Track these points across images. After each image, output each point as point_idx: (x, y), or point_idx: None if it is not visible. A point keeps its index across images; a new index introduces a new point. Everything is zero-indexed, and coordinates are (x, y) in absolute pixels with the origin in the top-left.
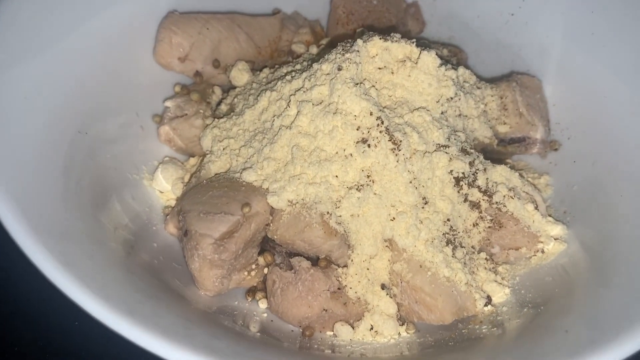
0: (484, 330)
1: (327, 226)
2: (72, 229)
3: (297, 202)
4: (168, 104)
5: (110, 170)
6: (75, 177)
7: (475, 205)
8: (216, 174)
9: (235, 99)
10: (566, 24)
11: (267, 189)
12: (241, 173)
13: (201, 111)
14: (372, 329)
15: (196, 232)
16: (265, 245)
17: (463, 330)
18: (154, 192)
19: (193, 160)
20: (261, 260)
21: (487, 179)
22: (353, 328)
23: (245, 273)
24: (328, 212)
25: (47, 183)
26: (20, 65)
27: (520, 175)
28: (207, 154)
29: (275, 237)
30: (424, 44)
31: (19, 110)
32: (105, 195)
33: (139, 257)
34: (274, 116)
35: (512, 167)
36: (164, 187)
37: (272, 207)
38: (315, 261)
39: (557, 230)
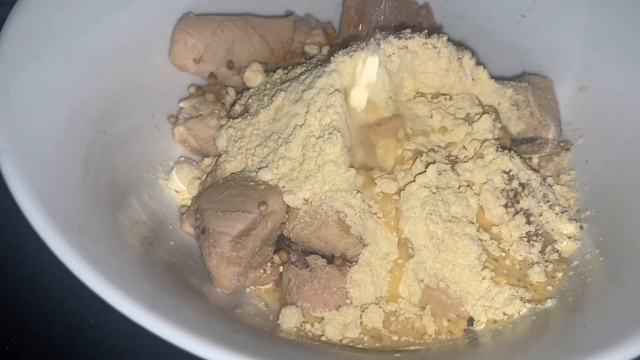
0: (499, 329)
1: (343, 224)
2: (93, 226)
3: (313, 201)
4: (183, 104)
5: (127, 169)
6: (94, 176)
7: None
8: (232, 174)
9: (250, 100)
10: (577, 25)
11: (283, 187)
12: (257, 172)
13: (216, 112)
14: None
15: (214, 229)
16: (281, 243)
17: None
18: (169, 192)
19: (208, 161)
20: (277, 258)
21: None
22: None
23: (261, 271)
24: (343, 211)
25: (68, 181)
26: (39, 64)
27: (534, 170)
28: (223, 153)
29: (291, 235)
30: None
31: (40, 109)
32: (123, 193)
33: (157, 254)
34: (288, 116)
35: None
36: (180, 187)
37: (288, 206)
38: (330, 259)
39: (570, 228)
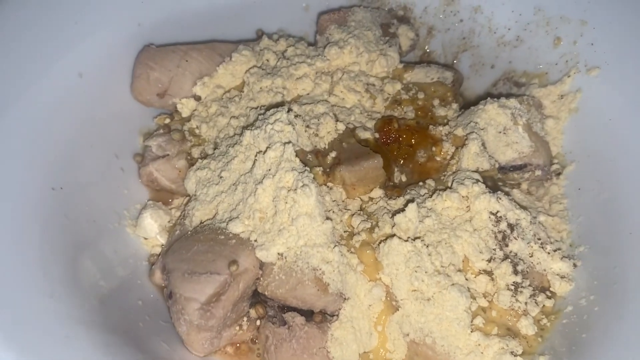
0: None
1: (320, 282)
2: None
3: (288, 256)
4: (149, 143)
5: (87, 223)
6: (45, 244)
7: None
8: (201, 222)
9: (218, 137)
10: (568, 46)
11: (256, 241)
12: (227, 223)
13: (183, 151)
14: None
15: (181, 295)
16: (257, 297)
17: None
18: (137, 241)
19: (178, 201)
20: (253, 312)
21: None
22: None
23: (237, 328)
24: (320, 268)
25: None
26: None
27: (523, 208)
28: (192, 197)
29: (266, 292)
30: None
31: None
32: (80, 254)
33: (121, 322)
34: (255, 159)
35: (509, 194)
36: (149, 234)
37: (261, 261)
38: (309, 314)
39: (563, 267)
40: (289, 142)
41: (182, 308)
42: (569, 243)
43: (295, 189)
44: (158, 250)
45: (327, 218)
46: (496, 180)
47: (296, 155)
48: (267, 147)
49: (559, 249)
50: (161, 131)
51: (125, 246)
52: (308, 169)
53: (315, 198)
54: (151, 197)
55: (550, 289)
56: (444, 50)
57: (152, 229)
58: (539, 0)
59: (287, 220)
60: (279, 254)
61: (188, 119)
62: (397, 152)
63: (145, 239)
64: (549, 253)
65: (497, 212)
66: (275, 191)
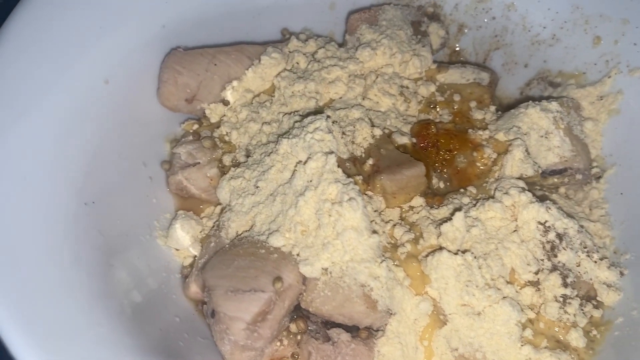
0: None
1: (369, 299)
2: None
3: (333, 271)
4: (177, 150)
5: (120, 236)
6: (82, 265)
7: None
8: (238, 235)
9: (250, 144)
10: (608, 46)
11: (298, 255)
12: (267, 237)
13: (215, 159)
14: None
15: (225, 314)
16: (297, 310)
17: None
18: (169, 252)
19: (209, 210)
20: (293, 327)
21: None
22: None
23: (278, 343)
24: (369, 284)
25: (47, 280)
26: (4, 140)
27: (570, 216)
28: (225, 207)
29: (310, 309)
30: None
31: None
32: (116, 269)
33: (160, 342)
34: (295, 170)
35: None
36: (181, 245)
37: (304, 276)
38: (354, 330)
39: (610, 276)
40: (331, 152)
41: (226, 328)
42: (613, 250)
43: (341, 202)
44: (190, 261)
45: (374, 232)
46: (537, 185)
47: (338, 166)
48: (308, 157)
49: (605, 257)
50: (190, 138)
51: (157, 259)
52: (352, 180)
53: (362, 211)
54: (179, 205)
55: (597, 298)
56: (475, 49)
57: (184, 241)
58: None
59: (332, 234)
60: (323, 268)
61: (217, 125)
62: (436, 158)
63: (177, 250)
64: (595, 262)
65: (546, 221)
66: (317, 203)
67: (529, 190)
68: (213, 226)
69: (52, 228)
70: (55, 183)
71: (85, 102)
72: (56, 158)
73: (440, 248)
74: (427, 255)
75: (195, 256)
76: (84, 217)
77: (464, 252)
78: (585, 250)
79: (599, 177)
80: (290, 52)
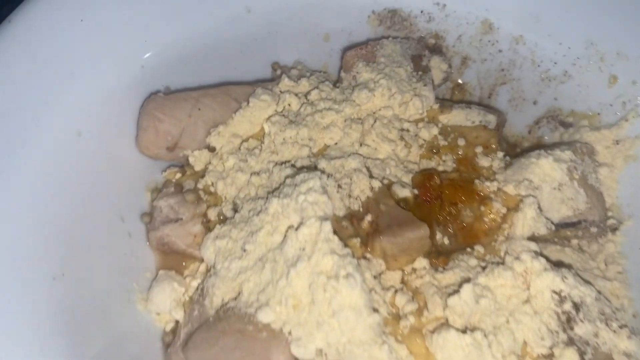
0: None
1: None
2: None
3: (329, 353)
4: (159, 204)
5: (92, 309)
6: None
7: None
8: (224, 304)
9: (238, 197)
10: (626, 86)
11: (290, 334)
12: (256, 310)
13: (199, 214)
14: None
15: None
16: None
17: None
18: (149, 317)
19: (193, 266)
20: None
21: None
22: None
23: None
24: None
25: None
26: None
27: (587, 282)
28: (210, 269)
29: None
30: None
31: None
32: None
33: None
34: (285, 235)
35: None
36: (162, 308)
37: (296, 358)
38: None
39: (631, 346)
40: (326, 218)
41: None
42: (632, 313)
43: (337, 277)
44: (171, 326)
45: (374, 309)
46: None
47: (334, 233)
48: (300, 222)
49: (625, 325)
50: (172, 189)
51: (136, 325)
52: (349, 251)
53: (360, 288)
54: (160, 261)
55: None
56: (480, 83)
57: (165, 305)
58: (591, 33)
59: (327, 311)
60: (318, 349)
61: (202, 174)
62: (440, 211)
63: (158, 314)
64: (614, 331)
65: (561, 290)
66: (311, 276)
67: (543, 256)
68: (197, 289)
69: (22, 304)
70: (19, 257)
71: (55, 159)
72: (19, 228)
73: (447, 322)
74: (432, 331)
75: (178, 321)
76: (53, 291)
77: (472, 330)
78: (604, 318)
79: (615, 229)
80: (281, 92)
